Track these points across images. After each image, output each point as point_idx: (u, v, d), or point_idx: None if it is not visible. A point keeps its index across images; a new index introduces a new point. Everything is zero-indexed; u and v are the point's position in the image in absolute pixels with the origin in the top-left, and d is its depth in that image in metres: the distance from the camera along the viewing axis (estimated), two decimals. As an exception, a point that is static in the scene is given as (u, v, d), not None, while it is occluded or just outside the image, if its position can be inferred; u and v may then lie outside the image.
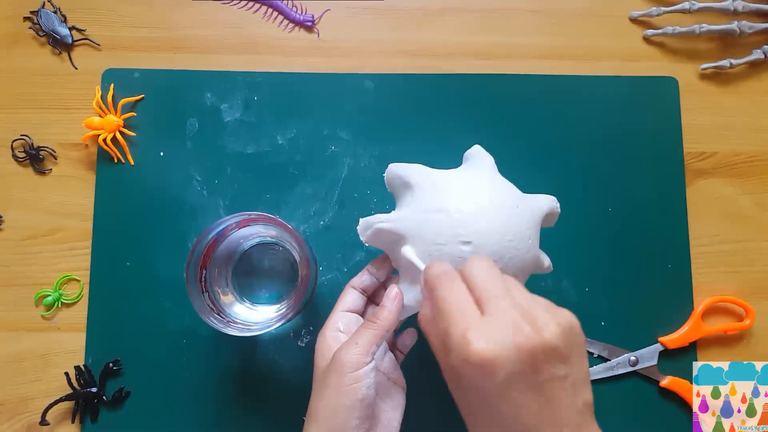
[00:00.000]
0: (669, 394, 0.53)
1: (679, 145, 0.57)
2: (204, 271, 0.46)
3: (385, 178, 0.44)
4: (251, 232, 0.50)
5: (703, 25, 0.57)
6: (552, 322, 0.30)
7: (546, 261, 0.43)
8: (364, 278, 0.44)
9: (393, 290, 0.40)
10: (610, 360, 0.53)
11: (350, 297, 0.43)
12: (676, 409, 0.53)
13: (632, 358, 0.53)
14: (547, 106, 0.57)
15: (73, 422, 0.52)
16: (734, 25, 0.57)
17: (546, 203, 0.42)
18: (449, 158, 0.46)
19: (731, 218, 0.56)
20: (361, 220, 0.42)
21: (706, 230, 0.56)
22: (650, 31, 0.58)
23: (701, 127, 0.57)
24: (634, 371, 0.53)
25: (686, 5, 0.57)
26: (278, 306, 0.51)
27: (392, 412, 0.42)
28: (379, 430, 0.40)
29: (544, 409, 0.30)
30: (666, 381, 0.52)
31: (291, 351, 0.53)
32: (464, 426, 0.33)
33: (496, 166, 0.44)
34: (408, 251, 0.39)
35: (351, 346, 0.38)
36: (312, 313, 0.53)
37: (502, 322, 0.30)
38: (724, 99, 0.58)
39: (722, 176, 0.57)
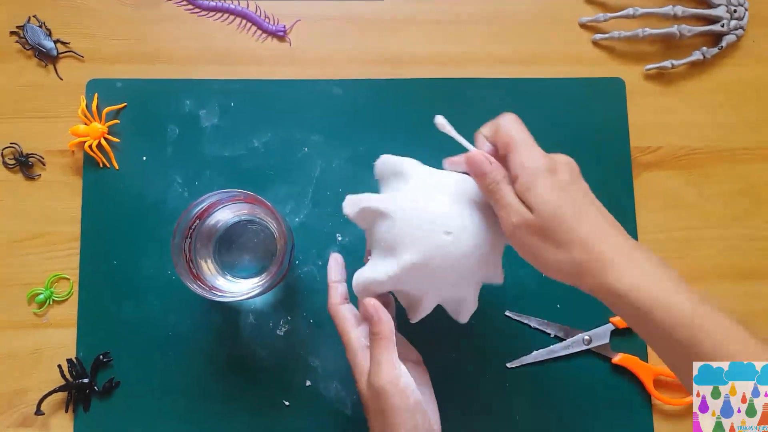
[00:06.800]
0: (621, 370, 0.57)
1: (626, 140, 0.61)
2: (189, 241, 0.50)
3: (376, 165, 0.46)
4: (232, 212, 0.54)
5: (646, 29, 0.62)
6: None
7: (501, 273, 0.46)
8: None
9: (370, 302, 0.42)
10: (566, 339, 0.57)
11: (349, 314, 0.45)
12: (628, 383, 0.57)
13: (586, 337, 0.57)
14: (503, 107, 0.59)
15: (66, 412, 0.55)
16: (675, 29, 0.62)
17: None
18: (414, 157, 0.50)
19: (675, 207, 0.61)
20: (348, 196, 0.45)
21: (653, 219, 0.60)
22: (598, 36, 0.63)
23: (647, 123, 0.62)
24: (588, 349, 0.57)
25: (630, 11, 0.62)
26: (257, 279, 0.54)
27: (421, 388, 0.43)
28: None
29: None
30: (618, 357, 0.57)
31: (270, 340, 0.56)
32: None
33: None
34: (441, 121, 0.44)
35: (377, 368, 0.40)
36: (289, 305, 0.57)
37: None
38: (667, 97, 0.62)
39: (666, 168, 0.61)
